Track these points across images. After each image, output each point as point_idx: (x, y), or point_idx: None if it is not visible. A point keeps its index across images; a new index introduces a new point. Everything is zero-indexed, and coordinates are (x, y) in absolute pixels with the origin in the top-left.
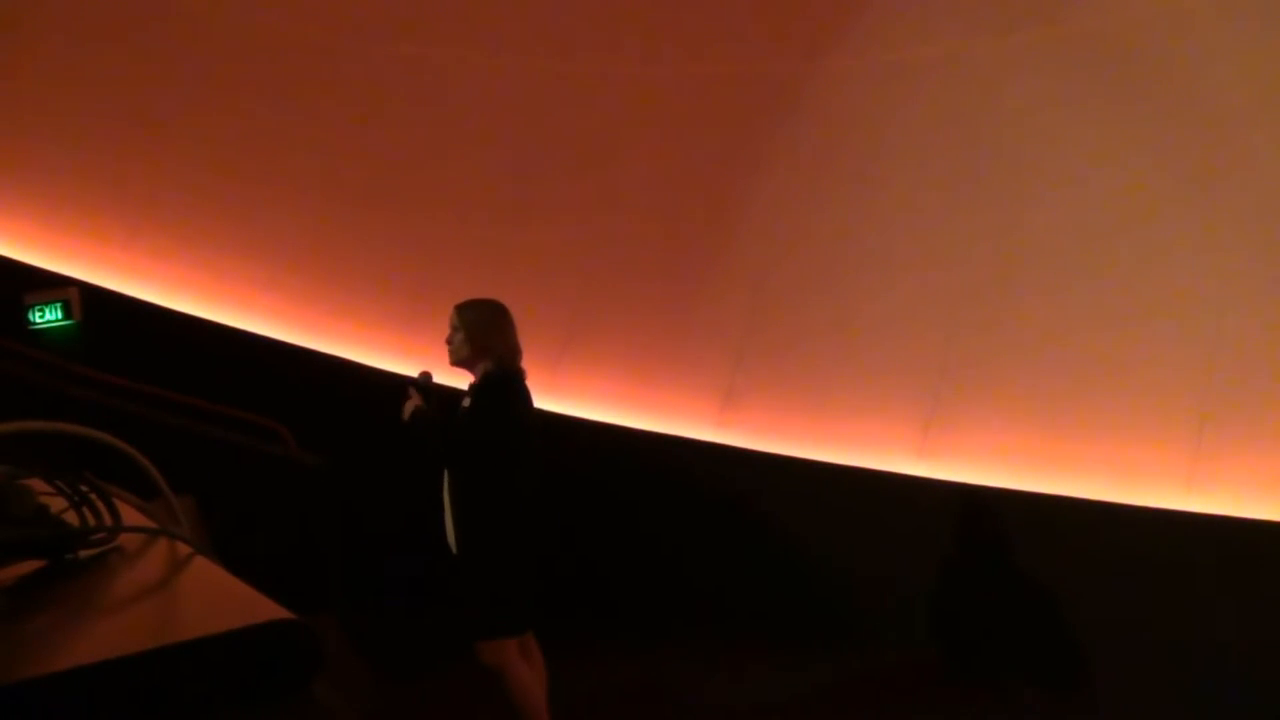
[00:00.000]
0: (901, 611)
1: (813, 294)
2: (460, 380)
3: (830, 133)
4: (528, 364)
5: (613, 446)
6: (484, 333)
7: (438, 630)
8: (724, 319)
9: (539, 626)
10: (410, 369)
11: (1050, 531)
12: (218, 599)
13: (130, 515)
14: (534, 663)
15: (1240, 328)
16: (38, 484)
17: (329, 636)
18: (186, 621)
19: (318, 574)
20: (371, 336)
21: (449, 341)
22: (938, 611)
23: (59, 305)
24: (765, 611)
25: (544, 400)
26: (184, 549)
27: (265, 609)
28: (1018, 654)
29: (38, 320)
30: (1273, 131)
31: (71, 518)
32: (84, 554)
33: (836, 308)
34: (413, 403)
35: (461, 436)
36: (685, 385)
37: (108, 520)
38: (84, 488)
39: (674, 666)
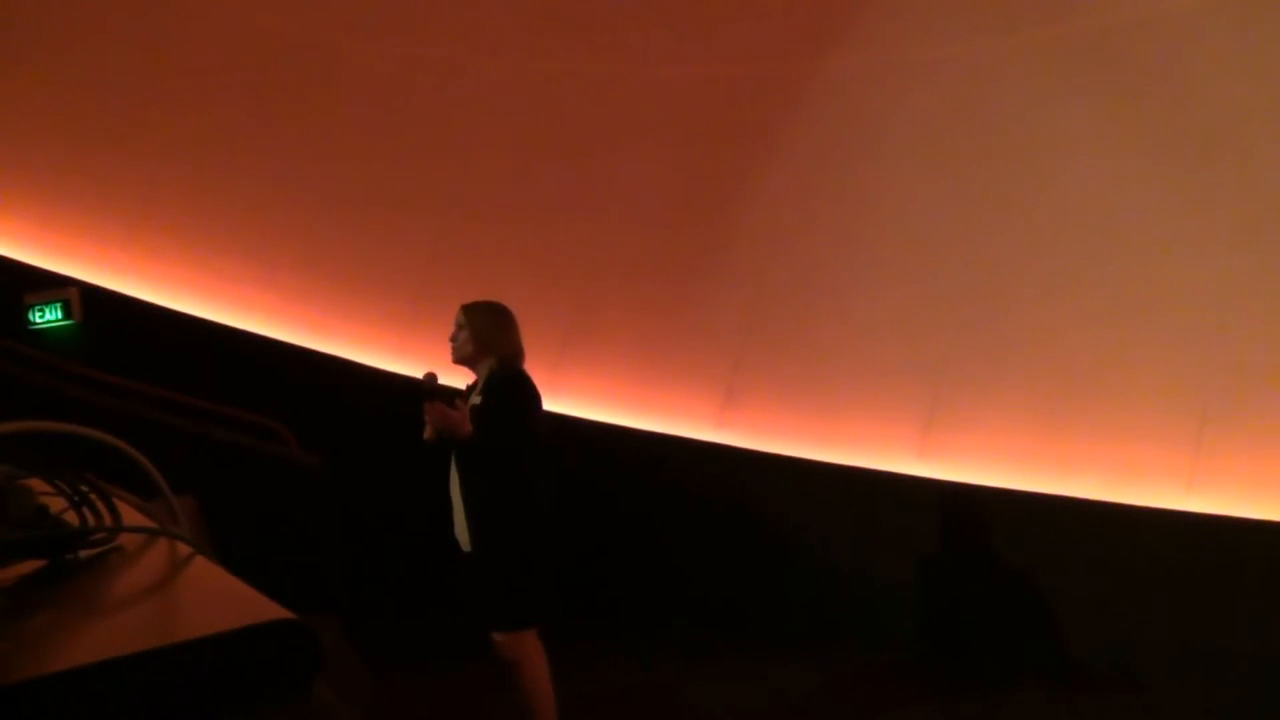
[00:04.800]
0: (901, 611)
1: (813, 294)
2: (458, 380)
3: (830, 132)
4: (528, 364)
5: (613, 446)
6: (489, 331)
7: (438, 630)
8: (724, 319)
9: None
10: (411, 369)
11: (1050, 531)
12: (218, 599)
13: (130, 515)
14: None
15: (1241, 328)
16: (38, 484)
17: (329, 636)
18: (186, 621)
19: (318, 574)
20: (372, 336)
21: (453, 339)
22: (938, 611)
23: (59, 305)
24: (764, 611)
25: (544, 400)
26: (184, 549)
27: (265, 609)
28: (1018, 654)
29: (38, 320)
30: (1272, 131)
31: (71, 518)
32: (84, 554)
33: (836, 307)
34: (454, 410)
35: (488, 433)
36: (685, 385)
37: (108, 520)
38: (84, 488)
39: (673, 666)
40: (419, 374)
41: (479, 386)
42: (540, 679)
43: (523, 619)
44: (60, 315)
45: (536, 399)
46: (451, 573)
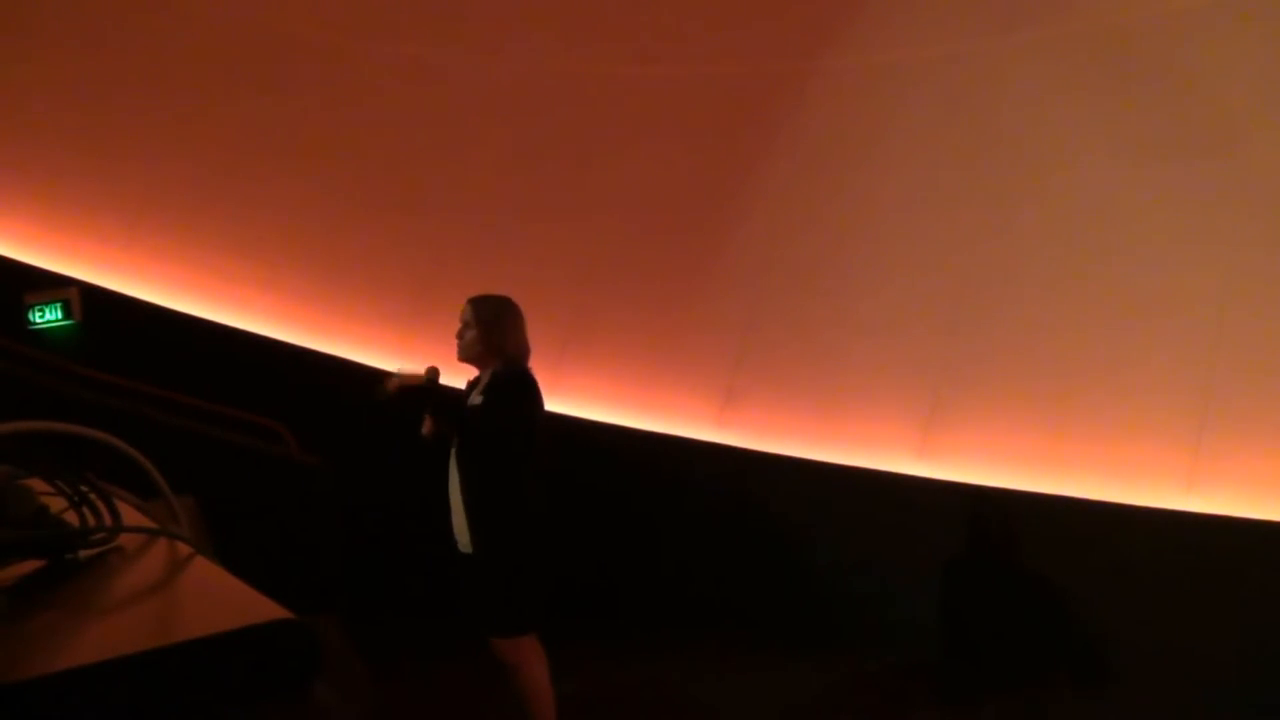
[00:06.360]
0: (901, 611)
1: (812, 293)
2: (460, 378)
3: (829, 132)
4: (530, 362)
5: (613, 446)
6: (498, 330)
7: (438, 630)
8: (724, 319)
9: (544, 625)
10: (410, 369)
11: (1050, 531)
12: (218, 599)
13: (130, 515)
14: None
15: (1241, 328)
16: (38, 484)
17: (329, 636)
18: (186, 621)
19: (318, 574)
20: (371, 336)
21: (459, 336)
22: (938, 612)
23: (59, 305)
24: (764, 611)
25: (545, 400)
26: (184, 549)
27: (265, 609)
28: (1018, 654)
29: (38, 320)
30: (1272, 130)
31: (71, 518)
32: (84, 554)
33: (836, 307)
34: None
35: (485, 428)
36: (685, 385)
37: (108, 520)
38: (84, 488)
39: (673, 666)
40: (423, 370)
41: (481, 385)
42: (540, 680)
43: (521, 624)
44: (60, 315)
45: (538, 399)
46: (451, 573)
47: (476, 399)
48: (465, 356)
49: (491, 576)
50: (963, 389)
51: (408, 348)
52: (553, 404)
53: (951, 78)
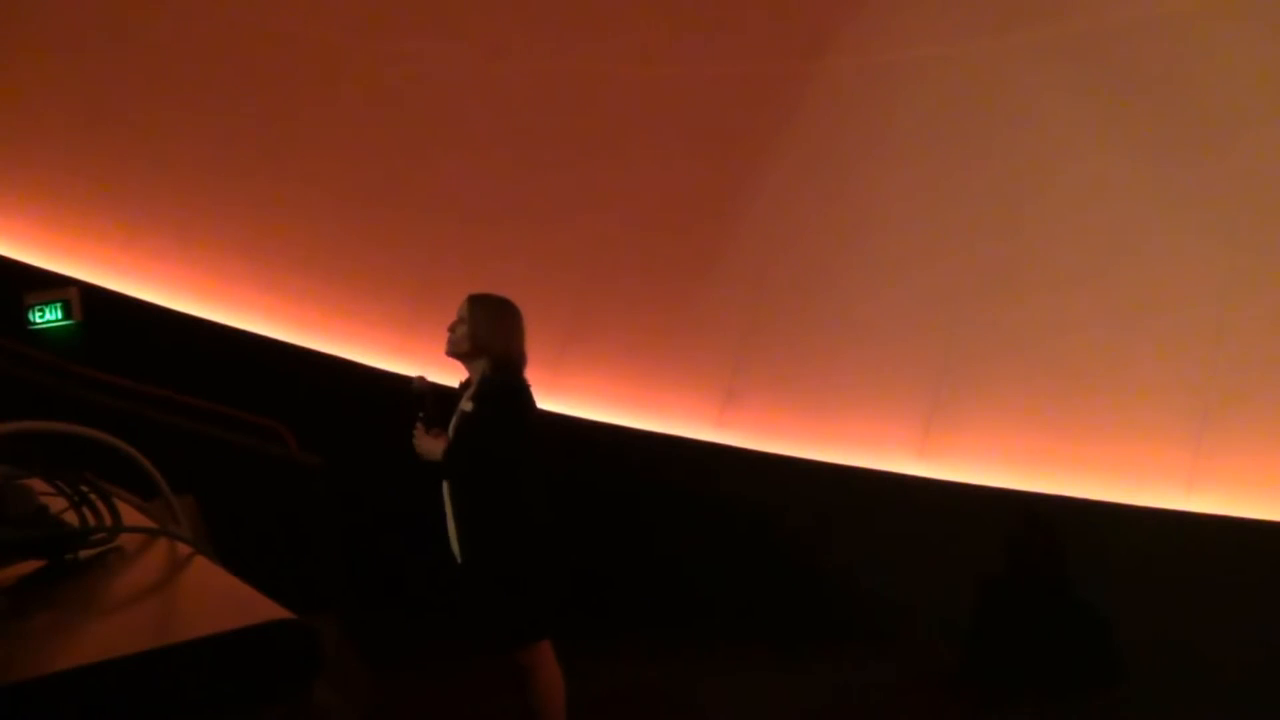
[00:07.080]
0: (901, 612)
1: (813, 293)
2: (452, 377)
3: (830, 132)
4: (528, 363)
5: (613, 446)
6: (490, 330)
7: (438, 630)
8: (724, 319)
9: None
10: (411, 369)
11: (1050, 531)
12: (218, 599)
13: (130, 515)
14: None
15: (1241, 327)
16: (38, 484)
17: (329, 636)
18: (186, 621)
19: (318, 574)
20: (372, 336)
21: (451, 330)
22: (938, 612)
23: (59, 305)
24: (764, 612)
25: (544, 400)
26: (184, 549)
27: (265, 609)
28: (1018, 655)
29: (38, 320)
30: (1272, 130)
31: (71, 518)
32: (84, 554)
33: (837, 307)
34: (429, 437)
35: (476, 446)
36: (685, 385)
37: (108, 520)
38: (84, 488)
39: (672, 667)
40: (413, 379)
41: (471, 389)
42: (552, 688)
43: (528, 632)
44: (60, 315)
45: (530, 410)
46: (450, 576)
47: (466, 405)
48: (453, 352)
49: (484, 586)
50: (963, 389)
51: (407, 348)
52: (553, 404)
53: (950, 78)
